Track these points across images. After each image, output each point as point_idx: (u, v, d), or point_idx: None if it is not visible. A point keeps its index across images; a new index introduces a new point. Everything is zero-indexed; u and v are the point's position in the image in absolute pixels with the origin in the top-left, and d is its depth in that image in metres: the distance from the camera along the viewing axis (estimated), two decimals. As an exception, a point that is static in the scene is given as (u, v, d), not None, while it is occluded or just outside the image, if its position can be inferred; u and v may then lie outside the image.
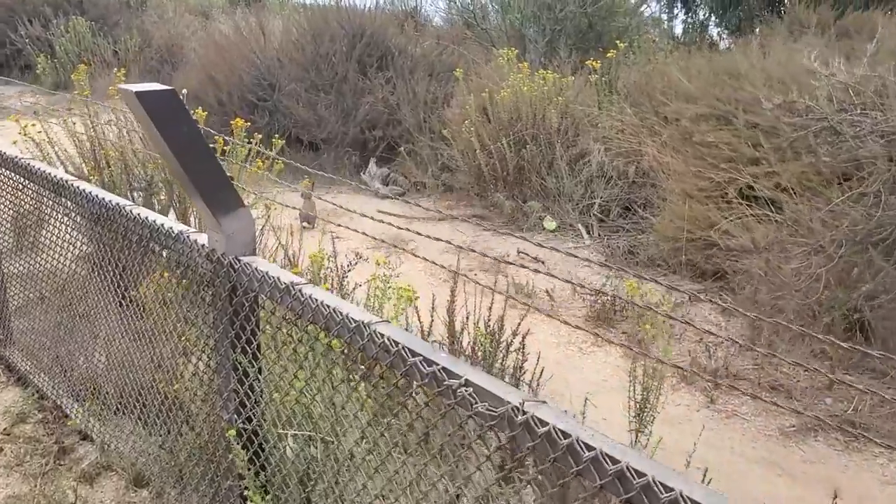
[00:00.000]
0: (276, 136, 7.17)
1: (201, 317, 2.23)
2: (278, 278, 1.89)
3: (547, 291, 4.80)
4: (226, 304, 2.08)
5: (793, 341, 4.13)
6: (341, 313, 1.72)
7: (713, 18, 11.80)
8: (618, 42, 7.02)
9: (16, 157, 3.01)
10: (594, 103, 6.54)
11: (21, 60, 12.20)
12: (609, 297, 4.57)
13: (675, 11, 11.97)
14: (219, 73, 7.34)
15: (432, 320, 3.48)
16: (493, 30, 9.11)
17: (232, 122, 4.62)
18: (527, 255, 5.45)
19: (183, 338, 2.32)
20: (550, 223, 6.02)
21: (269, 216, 3.96)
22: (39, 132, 4.34)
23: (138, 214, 2.35)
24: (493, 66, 7.09)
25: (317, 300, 1.79)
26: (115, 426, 2.93)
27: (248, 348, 2.06)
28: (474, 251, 5.73)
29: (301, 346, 1.94)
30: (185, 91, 4.80)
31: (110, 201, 2.47)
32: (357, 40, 7.61)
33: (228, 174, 2.15)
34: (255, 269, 1.96)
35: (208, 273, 2.10)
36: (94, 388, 3.02)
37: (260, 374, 2.07)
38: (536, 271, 2.79)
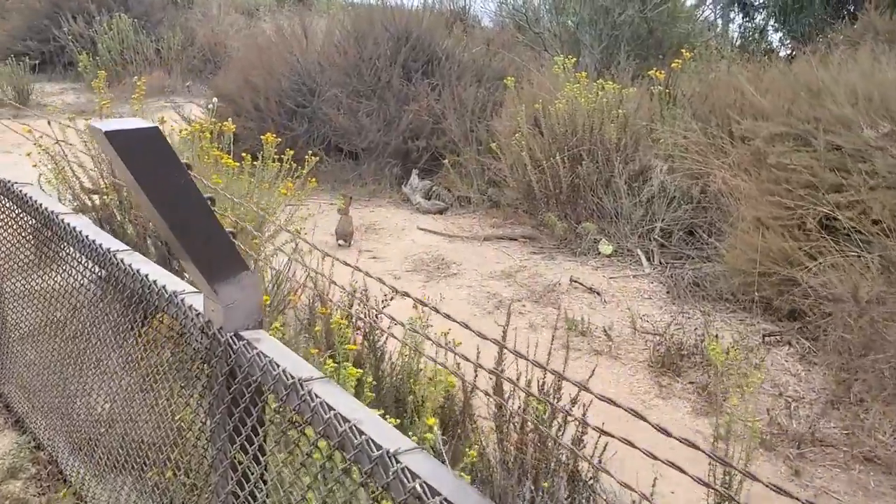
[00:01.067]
0: (312, 150, 6.81)
1: (196, 398, 1.82)
2: (284, 371, 1.47)
3: (605, 329, 4.33)
4: (223, 390, 1.67)
5: (889, 401, 3.61)
6: (360, 433, 1.29)
7: (771, 23, 11.13)
8: (682, 50, 6.49)
9: (7, 181, 2.65)
10: (655, 117, 6.04)
11: (64, 57, 12.05)
12: (675, 341, 4.08)
13: (733, 16, 11.34)
14: (257, 76, 6.99)
15: (476, 376, 3.03)
16: (545, 34, 8.63)
17: (264, 135, 4.26)
18: (581, 283, 4.98)
19: (177, 417, 1.92)
20: (606, 247, 5.53)
21: (296, 246, 3.55)
22: (55, 143, 4.00)
23: (129, 266, 1.95)
24: (546, 73, 6.62)
25: (330, 409, 1.36)
26: (111, 489, 2.55)
27: (248, 446, 1.65)
28: (523, 277, 5.31)
29: (312, 457, 1.52)
30: (214, 100, 4.45)
31: (99, 245, 2.08)
32: (402, 43, 7.20)
33: (230, 231, 1.75)
34: (258, 353, 1.55)
35: (203, 349, 1.70)
36: (91, 442, 2.65)
37: (263, 479, 1.66)
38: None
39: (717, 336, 4.13)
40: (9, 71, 10.17)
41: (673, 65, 6.04)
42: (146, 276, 1.89)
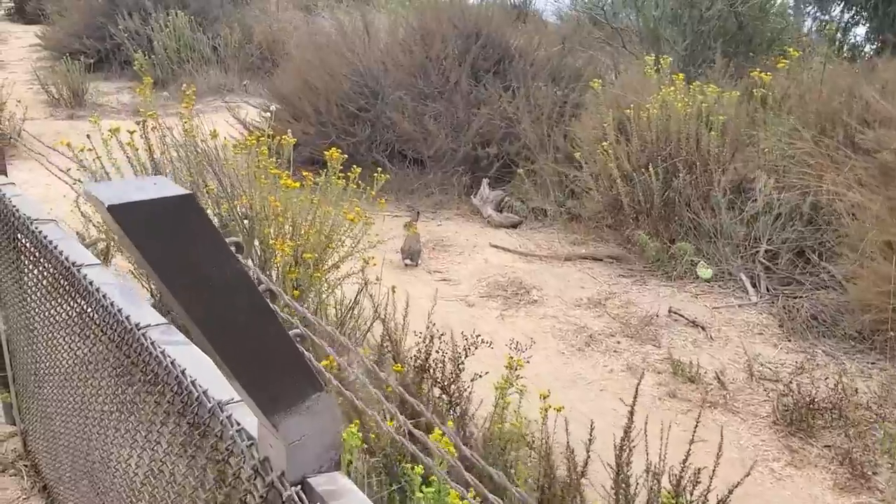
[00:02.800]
0: (374, 157, 6.32)
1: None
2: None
3: (717, 375, 3.73)
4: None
5: None
6: None
7: (850, 17, 10.18)
8: (785, 48, 5.82)
9: (29, 217, 2.19)
10: (757, 123, 5.39)
11: (120, 56, 11.79)
12: (803, 392, 3.46)
13: (808, 9, 10.44)
14: (317, 78, 6.52)
15: (588, 457, 2.48)
16: (624, 30, 8.00)
17: (324, 141, 3.76)
18: (682, 315, 4.38)
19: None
20: (706, 271, 4.91)
21: (365, 281, 3.04)
22: (97, 159, 3.56)
23: (160, 353, 1.45)
24: (633, 73, 6.01)
25: None
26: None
27: None
28: (613, 305, 4.72)
29: None
30: (273, 107, 3.96)
31: (124, 316, 1.59)
32: (472, 41, 6.66)
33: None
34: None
35: (257, 498, 1.19)
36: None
37: None
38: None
39: (856, 389, 3.50)
40: (64, 70, 9.91)
41: (779, 64, 5.38)
42: (182, 371, 1.38)
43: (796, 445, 3.25)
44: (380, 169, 3.95)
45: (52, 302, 2.11)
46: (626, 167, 5.23)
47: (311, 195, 3.35)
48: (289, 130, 3.88)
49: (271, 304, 1.05)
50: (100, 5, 11.95)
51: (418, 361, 3.04)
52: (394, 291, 3.15)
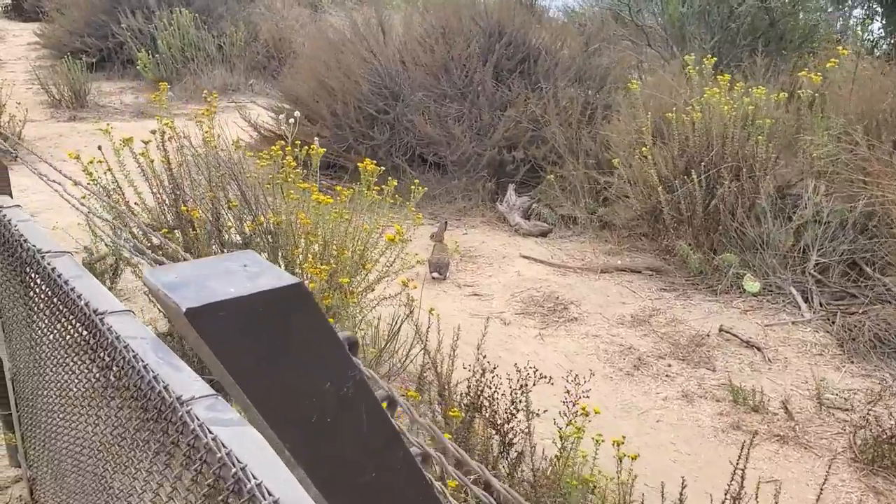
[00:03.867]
0: (393, 161, 6.01)
1: None
2: None
3: (783, 404, 3.43)
4: None
5: None
6: None
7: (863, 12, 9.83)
8: (839, 47, 5.51)
9: (39, 250, 1.89)
10: (803, 126, 5.09)
11: (123, 54, 11.46)
12: (881, 424, 3.17)
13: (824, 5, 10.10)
14: (333, 78, 6.21)
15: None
16: (649, 27, 7.69)
17: (341, 144, 3.46)
18: (734, 335, 4.08)
19: None
20: (753, 284, 4.61)
21: (410, 309, 2.74)
22: (107, 171, 3.25)
23: (209, 439, 1.15)
24: (667, 73, 5.71)
25: None
26: None
27: None
28: (659, 323, 4.42)
29: None
30: (296, 114, 3.65)
31: (162, 386, 1.29)
32: (494, 40, 6.35)
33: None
34: None
35: None
36: None
37: None
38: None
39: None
40: (65, 69, 9.59)
41: (829, 64, 5.07)
42: (243, 469, 1.08)
43: (881, 486, 2.95)
44: (417, 181, 3.65)
45: (68, 350, 1.81)
46: (665, 173, 4.93)
47: (342, 210, 3.04)
48: (315, 139, 3.58)
49: (394, 422, 0.75)
50: (101, 3, 11.62)
51: (467, 398, 2.74)
52: (432, 313, 2.86)
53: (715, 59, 5.20)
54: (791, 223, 4.77)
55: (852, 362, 3.88)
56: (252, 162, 3.82)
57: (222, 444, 1.15)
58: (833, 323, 4.24)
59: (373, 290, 3.12)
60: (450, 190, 6.03)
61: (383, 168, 3.40)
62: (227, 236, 3.11)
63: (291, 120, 3.59)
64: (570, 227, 5.68)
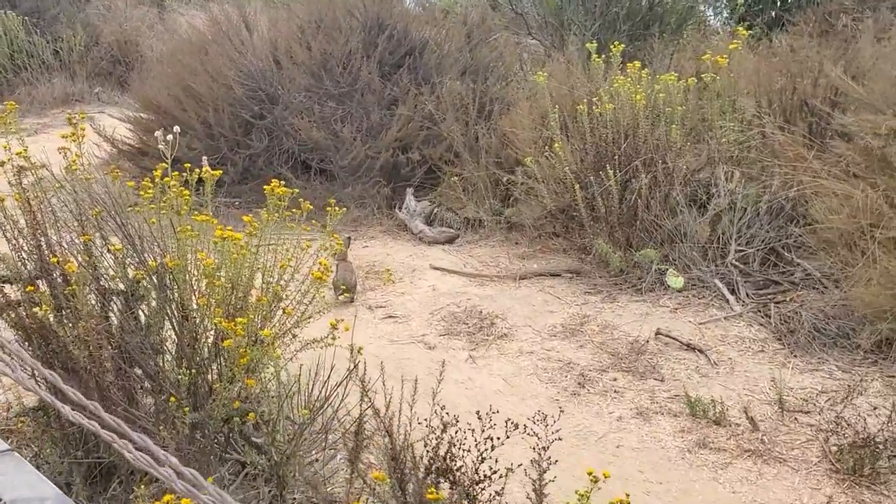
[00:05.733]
0: (275, 170, 5.43)
1: None
2: None
3: (745, 413, 3.18)
4: None
5: None
6: None
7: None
8: (739, 28, 5.39)
9: None
10: (707, 112, 4.93)
11: (-59, 65, 10.16)
12: (854, 429, 2.97)
13: None
14: (200, 83, 5.55)
15: None
16: (528, 15, 7.44)
17: (214, 156, 2.91)
18: (672, 338, 3.83)
19: None
20: (676, 280, 4.40)
21: (354, 363, 2.27)
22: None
23: None
24: (564, 63, 5.44)
25: None
26: None
27: None
28: (592, 330, 4.13)
29: None
30: (176, 129, 3.05)
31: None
32: (375, 34, 5.89)
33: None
34: None
35: None
36: None
37: None
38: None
39: (912, 419, 3.04)
40: None
41: (731, 46, 4.92)
42: None
43: (870, 498, 2.75)
44: (332, 200, 3.14)
45: None
46: (577, 169, 4.64)
47: (250, 246, 2.52)
48: (203, 158, 3.01)
49: None
50: None
51: (429, 459, 2.30)
52: (360, 353, 2.42)
53: (623, 46, 4.95)
54: (707, 213, 4.60)
55: (795, 356, 3.71)
56: (120, 186, 3.22)
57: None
58: (765, 315, 4.08)
59: (294, 335, 2.61)
60: (341, 199, 5.52)
61: (296, 190, 2.88)
62: (106, 284, 2.51)
63: (170, 137, 3.00)
64: (476, 231, 5.31)
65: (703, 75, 4.86)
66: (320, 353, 2.64)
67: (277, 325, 2.61)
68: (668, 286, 4.43)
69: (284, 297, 2.57)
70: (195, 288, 2.51)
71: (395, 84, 5.74)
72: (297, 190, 2.79)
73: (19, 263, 2.54)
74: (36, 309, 2.27)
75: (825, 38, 5.70)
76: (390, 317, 4.16)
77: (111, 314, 2.59)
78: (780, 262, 4.51)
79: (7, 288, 2.58)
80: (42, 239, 2.39)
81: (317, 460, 2.91)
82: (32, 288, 2.38)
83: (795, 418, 3.20)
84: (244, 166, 5.51)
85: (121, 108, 9.56)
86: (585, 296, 4.38)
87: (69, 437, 2.61)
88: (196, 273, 2.46)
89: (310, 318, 2.66)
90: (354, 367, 2.26)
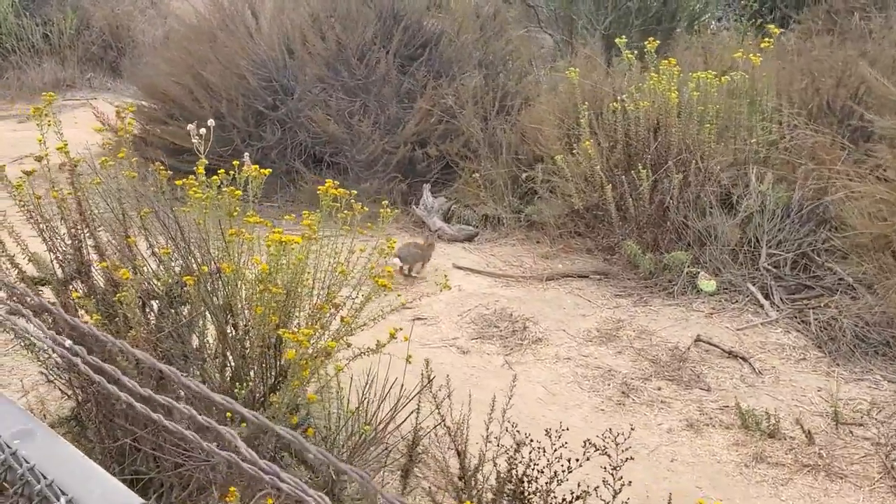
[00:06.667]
0: (287, 163, 5.28)
1: None
2: None
3: (799, 425, 3.09)
4: None
5: None
6: None
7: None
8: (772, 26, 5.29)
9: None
10: (736, 111, 4.83)
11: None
12: (915, 443, 2.89)
13: None
14: (211, 71, 5.36)
15: None
16: (539, 8, 7.31)
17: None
18: (713, 345, 3.73)
19: None
20: (709, 283, 4.31)
21: (429, 379, 2.14)
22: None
23: None
24: (582, 59, 5.32)
25: None
26: None
27: None
28: (629, 336, 4.01)
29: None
30: (210, 122, 2.89)
31: None
32: (390, 25, 5.73)
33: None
34: None
35: None
36: None
37: None
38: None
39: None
40: None
41: (763, 44, 4.82)
42: None
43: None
44: (385, 202, 3.01)
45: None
46: (607, 167, 4.53)
47: (309, 245, 2.38)
48: (245, 155, 2.85)
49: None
50: None
51: (502, 482, 2.18)
52: (409, 361, 2.29)
53: (624, 39, 4.82)
54: (737, 215, 4.51)
55: (838, 364, 3.63)
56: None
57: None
58: (802, 322, 4.00)
59: (349, 345, 2.47)
60: (357, 194, 5.36)
61: (354, 192, 2.73)
62: (150, 288, 2.36)
63: (203, 130, 2.84)
64: (495, 229, 5.19)
65: (732, 73, 4.75)
66: (369, 360, 2.52)
67: (333, 333, 2.47)
68: (700, 290, 4.34)
69: (342, 304, 2.43)
70: (246, 296, 2.36)
71: (411, 77, 5.58)
72: (355, 192, 2.63)
73: (56, 265, 2.38)
74: (87, 317, 2.11)
75: (834, 36, 5.62)
76: (418, 318, 4.02)
77: (150, 318, 2.44)
78: (810, 265, 4.44)
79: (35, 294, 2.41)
80: (86, 240, 2.22)
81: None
82: (77, 294, 2.21)
83: (850, 431, 3.12)
84: (256, 159, 5.32)
85: (115, 94, 9.32)
86: (616, 299, 4.27)
87: (107, 451, 2.46)
88: (251, 278, 2.31)
89: (363, 325, 2.54)
90: (429, 381, 2.13)
